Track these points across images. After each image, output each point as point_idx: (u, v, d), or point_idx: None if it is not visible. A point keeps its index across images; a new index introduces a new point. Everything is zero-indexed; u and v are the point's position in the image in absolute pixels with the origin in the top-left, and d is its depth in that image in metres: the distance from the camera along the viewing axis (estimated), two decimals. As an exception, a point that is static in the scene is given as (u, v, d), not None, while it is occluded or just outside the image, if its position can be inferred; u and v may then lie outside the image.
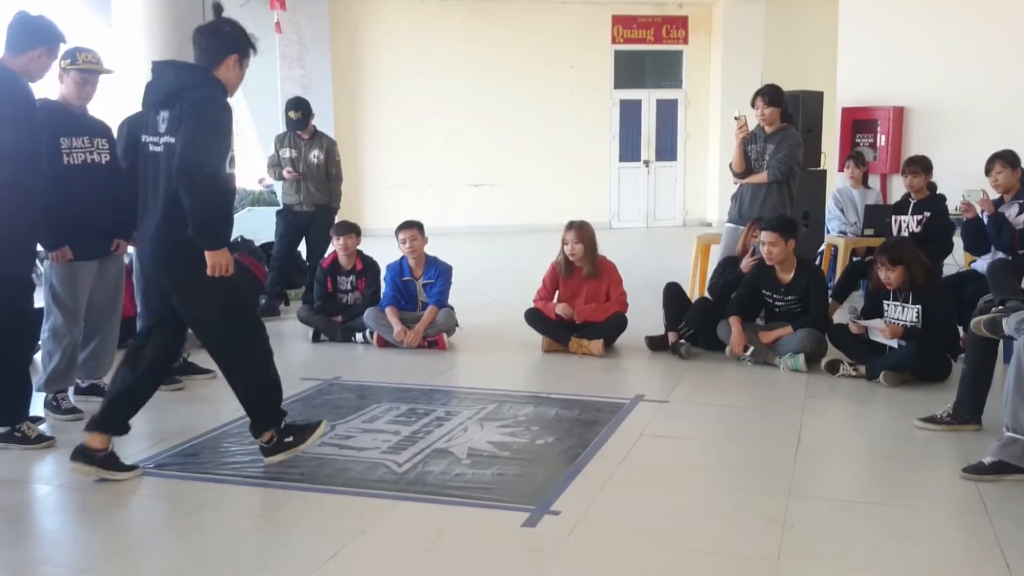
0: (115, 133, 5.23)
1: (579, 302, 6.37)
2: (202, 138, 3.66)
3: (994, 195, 6.34)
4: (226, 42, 3.83)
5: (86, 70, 4.77)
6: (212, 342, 4.02)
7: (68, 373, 4.94)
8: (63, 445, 4.45)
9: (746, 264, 6.24)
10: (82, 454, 3.90)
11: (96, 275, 4.98)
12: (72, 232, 4.77)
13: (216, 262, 3.71)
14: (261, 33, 14.55)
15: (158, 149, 3.78)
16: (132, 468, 4.01)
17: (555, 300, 6.45)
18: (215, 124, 3.71)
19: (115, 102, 6.28)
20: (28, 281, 4.52)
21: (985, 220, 6.24)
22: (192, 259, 3.72)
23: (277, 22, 12.40)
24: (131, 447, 4.46)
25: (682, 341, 6.16)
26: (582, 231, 6.33)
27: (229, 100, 3.86)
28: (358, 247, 6.96)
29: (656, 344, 6.35)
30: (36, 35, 4.35)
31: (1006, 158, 6.29)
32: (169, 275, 3.88)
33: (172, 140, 3.70)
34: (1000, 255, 6.11)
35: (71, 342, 4.88)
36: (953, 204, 7.34)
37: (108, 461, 3.93)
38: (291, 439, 4.04)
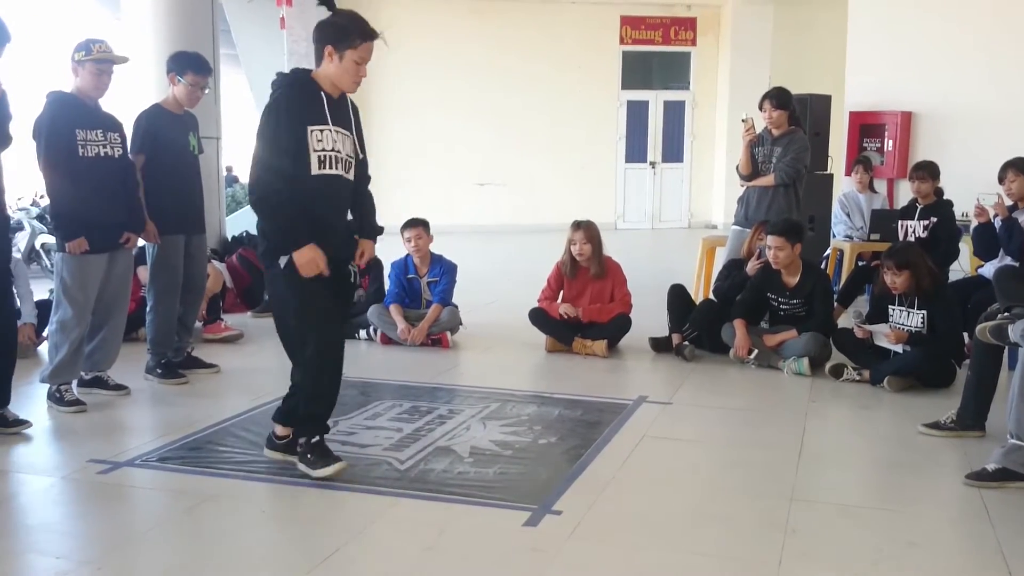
0: (129, 127, 5.24)
1: (583, 302, 6.36)
2: (257, 151, 3.68)
3: (1008, 203, 6.33)
4: (318, 36, 3.75)
5: (101, 60, 4.79)
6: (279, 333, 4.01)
7: (73, 365, 4.95)
8: (64, 436, 4.46)
9: (752, 267, 6.23)
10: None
11: (106, 269, 4.99)
12: (86, 224, 4.78)
13: (298, 262, 3.66)
14: (270, 29, 14.59)
15: None
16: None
17: (559, 300, 6.44)
18: (265, 133, 3.68)
19: (125, 95, 6.29)
20: None
21: (997, 225, 6.24)
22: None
23: (282, 18, 12.39)
24: (134, 440, 4.48)
25: (686, 343, 6.16)
26: (590, 231, 6.33)
27: (328, 92, 3.75)
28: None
29: (660, 345, 6.35)
30: None
31: (1019, 166, 6.29)
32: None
33: None
34: (1008, 261, 6.10)
35: (79, 335, 4.89)
36: (961, 210, 7.34)
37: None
38: (311, 457, 3.90)
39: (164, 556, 3.27)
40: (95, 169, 4.82)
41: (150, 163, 5.31)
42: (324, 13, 3.90)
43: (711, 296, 6.61)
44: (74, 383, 5.03)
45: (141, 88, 6.49)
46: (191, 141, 5.52)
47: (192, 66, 5.39)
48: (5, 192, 4.43)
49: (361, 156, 3.98)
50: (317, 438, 3.94)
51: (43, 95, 4.83)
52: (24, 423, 4.50)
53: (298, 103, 3.70)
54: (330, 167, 3.74)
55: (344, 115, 3.86)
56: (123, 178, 5.02)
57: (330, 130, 3.74)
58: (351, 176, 3.88)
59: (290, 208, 3.68)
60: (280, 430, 4.08)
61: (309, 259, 3.68)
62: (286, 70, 3.97)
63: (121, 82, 5.26)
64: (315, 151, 3.69)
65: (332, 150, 3.74)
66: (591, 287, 6.38)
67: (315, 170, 3.70)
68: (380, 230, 4.13)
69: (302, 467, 3.91)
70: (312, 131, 3.68)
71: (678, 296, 6.49)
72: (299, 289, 3.73)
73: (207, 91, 5.53)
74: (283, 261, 3.71)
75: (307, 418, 3.95)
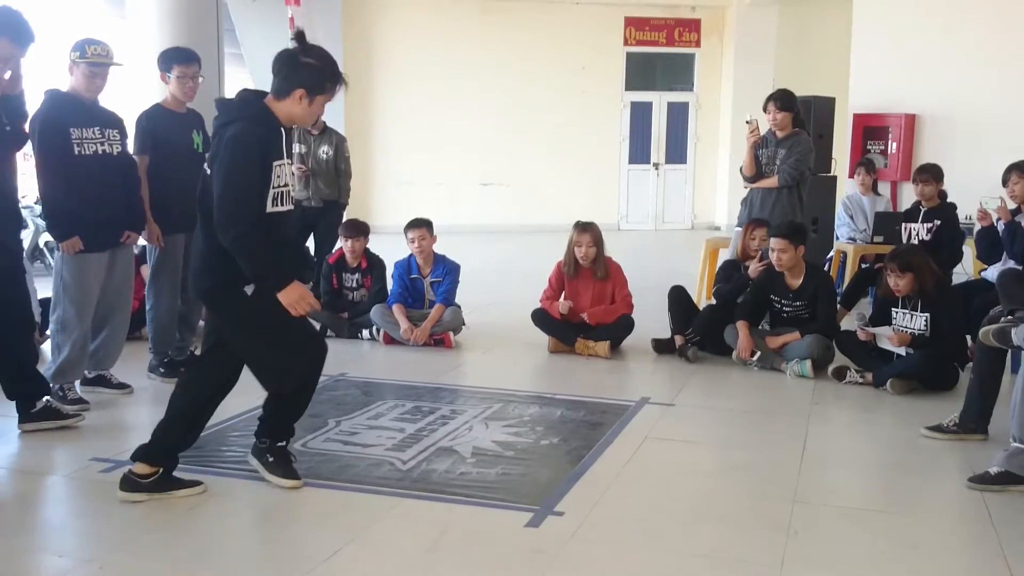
0: (130, 126, 5.25)
1: (584, 303, 6.36)
2: (229, 188, 3.46)
3: (1011, 205, 6.33)
4: (291, 75, 3.56)
5: (95, 63, 4.78)
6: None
7: (78, 365, 4.95)
8: (66, 435, 4.47)
9: (754, 269, 6.23)
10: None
11: (106, 267, 4.99)
12: (83, 223, 4.77)
13: (285, 301, 3.54)
14: (274, 29, 14.60)
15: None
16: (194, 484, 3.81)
17: (560, 300, 6.44)
18: (239, 167, 3.46)
19: (129, 95, 6.30)
20: None
21: (1000, 228, 6.23)
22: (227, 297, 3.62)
23: (291, 18, 12.41)
24: (137, 439, 4.46)
25: (689, 345, 6.15)
26: (595, 233, 6.34)
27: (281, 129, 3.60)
28: (366, 246, 6.96)
29: (662, 347, 6.34)
30: None
31: (1023, 168, 6.28)
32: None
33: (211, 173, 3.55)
34: (1011, 264, 6.10)
35: (81, 334, 4.89)
36: (965, 212, 7.33)
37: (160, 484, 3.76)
38: (272, 460, 3.88)
39: (165, 555, 3.28)
40: (92, 167, 4.81)
41: (152, 162, 5.32)
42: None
43: (712, 298, 6.60)
44: (77, 382, 5.03)
45: (145, 88, 6.49)
46: (195, 139, 5.52)
47: (175, 59, 5.40)
48: (18, 191, 4.45)
49: None
50: (283, 443, 3.92)
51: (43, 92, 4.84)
52: (78, 416, 4.60)
53: (264, 141, 3.52)
54: (282, 203, 3.61)
55: (290, 138, 3.76)
56: (123, 175, 5.01)
57: (287, 165, 3.62)
58: (291, 206, 3.73)
59: (269, 251, 3.53)
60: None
61: (299, 296, 3.56)
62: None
63: (125, 82, 5.27)
64: (273, 187, 3.54)
65: (283, 185, 3.60)
66: (592, 288, 6.38)
67: (269, 207, 3.54)
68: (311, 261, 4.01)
69: (260, 470, 3.88)
70: (275, 167, 3.54)
71: (679, 298, 6.49)
72: (269, 312, 3.58)
73: (201, 79, 5.51)
74: (249, 289, 3.57)
75: (284, 430, 3.93)
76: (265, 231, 3.51)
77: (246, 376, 5.69)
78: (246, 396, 5.12)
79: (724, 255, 7.34)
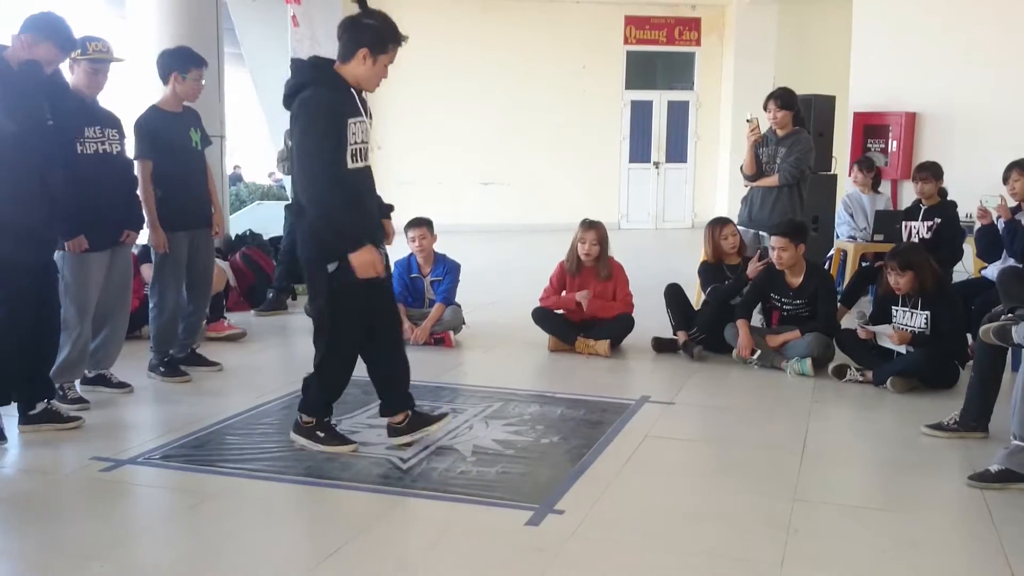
0: (128, 126, 5.25)
1: (585, 301, 6.35)
2: (303, 150, 3.69)
3: (1011, 203, 6.33)
4: (355, 35, 3.77)
5: (96, 59, 4.78)
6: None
7: (78, 364, 4.95)
8: (67, 434, 4.46)
9: (753, 269, 6.22)
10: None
11: (106, 266, 4.99)
12: (85, 222, 4.78)
13: (355, 263, 3.75)
14: (275, 27, 14.60)
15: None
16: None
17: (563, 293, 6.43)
18: (310, 133, 3.68)
19: (129, 94, 6.30)
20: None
21: (1000, 226, 6.23)
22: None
23: (293, 15, 12.39)
24: (137, 438, 4.48)
25: (694, 343, 6.14)
26: (600, 231, 6.34)
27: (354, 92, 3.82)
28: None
29: (663, 346, 6.34)
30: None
31: (1023, 166, 6.29)
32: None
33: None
34: (1011, 263, 6.09)
35: (81, 334, 4.89)
36: (966, 211, 7.32)
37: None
38: (322, 435, 4.17)
39: (166, 554, 3.28)
40: (93, 166, 4.81)
41: (154, 165, 5.32)
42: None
43: (707, 297, 6.58)
44: (77, 381, 5.03)
45: (146, 87, 6.49)
46: (193, 137, 5.52)
47: (194, 62, 5.42)
48: (67, 190, 4.50)
49: None
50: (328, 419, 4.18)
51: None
52: (77, 419, 4.59)
53: (337, 101, 3.75)
54: (361, 159, 3.84)
55: (364, 105, 3.94)
56: (122, 175, 5.02)
57: (365, 122, 3.83)
58: (370, 162, 3.97)
59: (346, 212, 3.73)
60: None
61: (367, 261, 3.75)
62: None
63: (126, 81, 5.27)
64: (350, 145, 3.75)
65: (362, 142, 3.81)
66: (594, 286, 6.38)
67: (349, 164, 3.77)
68: (391, 207, 4.22)
69: (312, 445, 4.15)
70: (350, 123, 3.75)
71: (675, 295, 6.48)
72: (342, 292, 3.86)
73: (203, 82, 5.55)
74: (331, 267, 3.80)
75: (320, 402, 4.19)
76: (348, 187, 3.73)
77: (248, 376, 5.72)
78: (245, 396, 5.16)
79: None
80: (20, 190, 4.18)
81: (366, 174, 3.90)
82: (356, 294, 3.89)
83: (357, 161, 3.79)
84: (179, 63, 5.41)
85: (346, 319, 3.97)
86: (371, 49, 3.76)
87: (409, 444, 4.22)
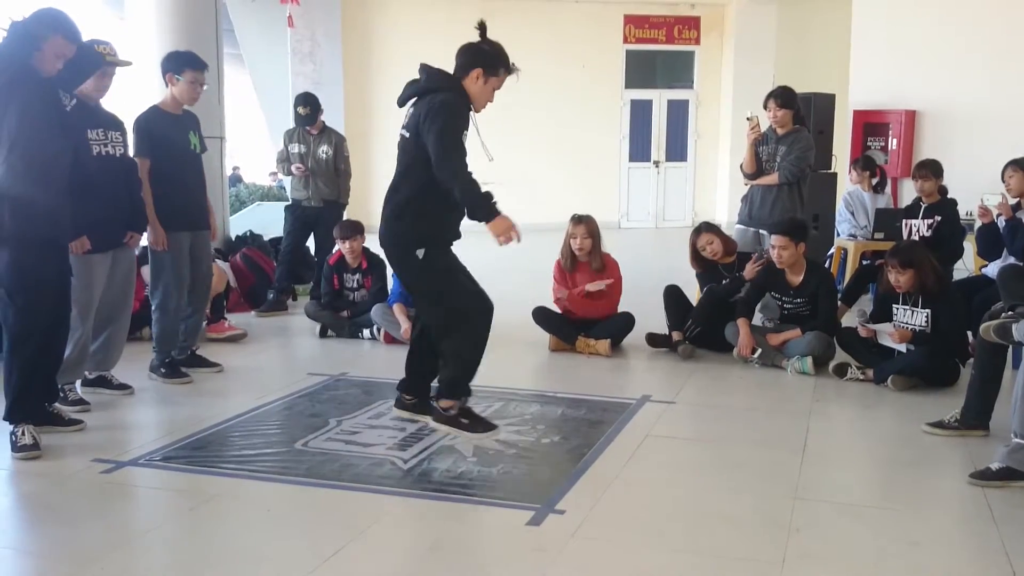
0: (131, 127, 5.26)
1: (582, 296, 6.36)
2: (445, 141, 3.90)
3: (1011, 201, 6.32)
4: (472, 56, 4.07)
5: (107, 63, 4.78)
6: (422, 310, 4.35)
7: (78, 366, 4.95)
8: (68, 436, 4.46)
9: (750, 270, 6.21)
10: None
11: (108, 268, 5.00)
12: (88, 223, 4.78)
13: (495, 231, 4.01)
14: (275, 28, 14.52)
15: (403, 136, 4.12)
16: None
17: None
18: (450, 128, 3.93)
19: (129, 95, 6.29)
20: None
21: (1001, 224, 6.22)
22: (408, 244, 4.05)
23: (289, 16, 12.41)
24: (138, 439, 4.48)
25: (684, 341, 6.14)
26: (590, 226, 6.37)
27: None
28: (363, 245, 6.96)
29: (657, 341, 6.34)
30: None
31: (1020, 164, 6.29)
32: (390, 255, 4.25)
33: (407, 135, 4.05)
34: (1012, 261, 6.09)
35: (82, 335, 4.89)
36: (966, 208, 7.32)
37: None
38: (467, 422, 4.14)
39: (167, 555, 3.28)
40: (97, 168, 4.81)
41: (152, 163, 5.32)
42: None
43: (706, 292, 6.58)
44: (78, 382, 5.03)
45: (145, 88, 6.49)
46: (192, 140, 5.53)
47: (190, 63, 5.43)
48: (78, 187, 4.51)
49: None
50: (467, 403, 4.19)
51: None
52: (78, 423, 4.58)
53: (465, 111, 4.04)
54: None
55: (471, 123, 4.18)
56: (125, 177, 5.03)
57: (466, 137, 4.08)
58: None
59: (480, 192, 4.01)
60: (443, 405, 4.16)
61: (506, 226, 4.02)
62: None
63: (125, 82, 5.27)
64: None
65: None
66: (592, 280, 6.38)
67: None
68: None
69: (460, 432, 4.13)
70: (463, 136, 4.03)
71: (674, 296, 6.48)
72: (442, 273, 4.09)
73: (205, 87, 5.55)
74: (420, 253, 4.02)
75: (457, 384, 4.15)
76: (447, 192, 3.97)
77: (249, 377, 5.72)
78: (246, 397, 5.16)
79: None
80: (52, 205, 4.20)
81: None
82: (447, 270, 4.12)
83: None
84: (174, 64, 5.42)
85: (451, 286, 4.12)
86: (485, 70, 4.04)
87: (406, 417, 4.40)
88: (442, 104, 3.97)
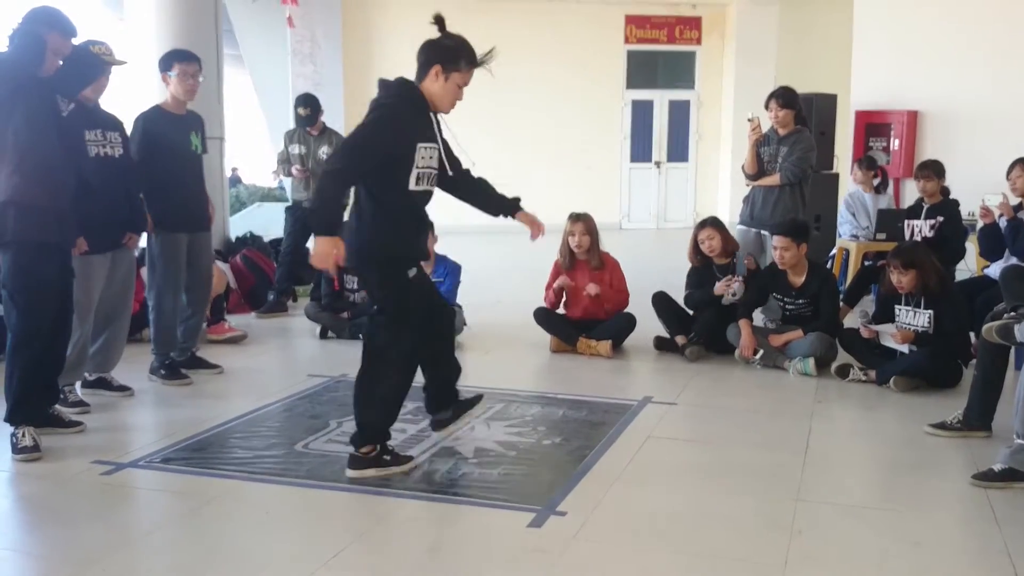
0: (129, 128, 5.25)
1: (582, 295, 6.35)
2: (348, 142, 3.77)
3: (1013, 200, 6.31)
4: (427, 53, 3.82)
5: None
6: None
7: (78, 367, 4.94)
8: (68, 437, 4.45)
9: (720, 287, 6.18)
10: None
11: (108, 269, 4.99)
12: (85, 225, 4.76)
13: (315, 250, 3.69)
14: (274, 29, 14.50)
15: None
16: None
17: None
18: (362, 137, 3.71)
19: (128, 96, 6.29)
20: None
21: (1003, 225, 6.21)
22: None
23: (289, 17, 12.40)
24: (138, 441, 4.48)
25: (691, 345, 6.13)
26: (588, 223, 6.37)
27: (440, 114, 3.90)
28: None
29: (664, 345, 6.33)
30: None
31: None
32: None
33: None
34: (1014, 261, 6.08)
35: (81, 336, 4.88)
36: (968, 209, 7.31)
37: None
38: (388, 459, 3.97)
39: (168, 557, 3.27)
40: (95, 169, 4.80)
41: (150, 164, 5.32)
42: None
43: (683, 304, 6.54)
44: (78, 384, 5.02)
45: (144, 89, 6.48)
46: (193, 140, 5.52)
47: (175, 57, 5.44)
48: (81, 189, 4.50)
49: (455, 157, 4.08)
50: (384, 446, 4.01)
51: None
52: (78, 425, 4.57)
53: (411, 122, 3.77)
54: (427, 183, 3.85)
55: (436, 130, 3.95)
56: (124, 177, 5.02)
57: (434, 147, 3.85)
58: (434, 187, 3.97)
59: (338, 201, 3.71)
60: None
61: (325, 252, 3.62)
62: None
63: (124, 83, 5.26)
64: (416, 167, 3.76)
65: (428, 167, 3.82)
66: (589, 279, 6.38)
67: (412, 186, 3.78)
68: (517, 199, 4.28)
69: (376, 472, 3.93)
70: (420, 148, 3.77)
71: (663, 302, 6.45)
72: (406, 295, 3.86)
73: (201, 78, 5.55)
74: (412, 272, 3.86)
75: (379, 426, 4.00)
76: (406, 207, 3.78)
77: (249, 379, 5.71)
78: (246, 398, 5.15)
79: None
80: (56, 208, 4.21)
81: (424, 198, 3.90)
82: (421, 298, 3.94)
83: (421, 184, 3.81)
84: (164, 63, 5.45)
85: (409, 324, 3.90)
86: (443, 65, 3.79)
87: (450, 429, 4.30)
88: (378, 106, 3.77)
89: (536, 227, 4.21)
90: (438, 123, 3.96)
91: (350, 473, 3.91)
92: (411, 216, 3.84)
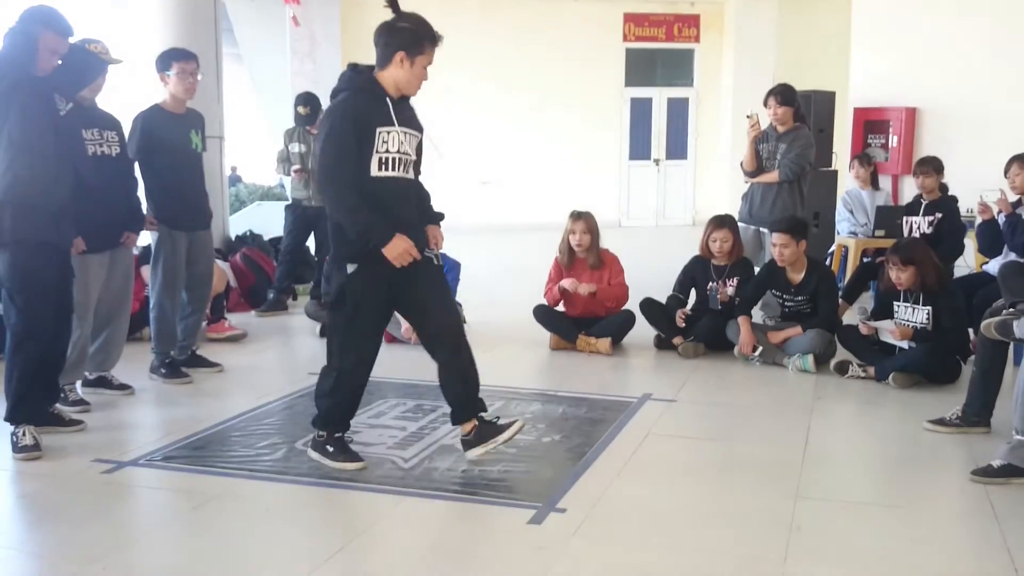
0: (127, 127, 5.25)
1: (581, 293, 6.35)
2: (326, 150, 3.74)
3: (1012, 197, 6.32)
4: (389, 40, 3.76)
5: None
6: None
7: (77, 366, 4.94)
8: (69, 436, 4.45)
9: (679, 317, 6.23)
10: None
11: (106, 268, 4.99)
12: (83, 224, 4.76)
13: (390, 255, 3.73)
14: (273, 27, 14.49)
15: None
16: None
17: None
18: (334, 134, 3.70)
19: (127, 95, 6.29)
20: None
21: (1001, 221, 6.22)
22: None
23: (293, 16, 12.39)
24: (139, 440, 4.48)
25: (687, 342, 6.13)
26: (589, 222, 6.36)
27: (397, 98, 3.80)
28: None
29: (664, 342, 6.33)
30: None
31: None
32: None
33: None
34: (1012, 257, 6.08)
35: (81, 336, 4.88)
36: (967, 206, 7.31)
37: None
38: (332, 450, 4.03)
39: (168, 555, 3.28)
40: (91, 168, 4.80)
41: (150, 162, 5.32)
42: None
43: (667, 300, 6.54)
44: (78, 383, 5.02)
45: (143, 88, 6.49)
46: (193, 139, 5.52)
47: (173, 56, 5.43)
48: (80, 189, 4.49)
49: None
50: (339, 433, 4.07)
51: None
52: (79, 424, 4.57)
53: (365, 108, 3.74)
54: (393, 169, 3.79)
55: (409, 116, 3.91)
56: (121, 177, 5.03)
57: (397, 131, 3.77)
58: (411, 175, 3.92)
59: (366, 210, 3.72)
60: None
61: (401, 249, 3.72)
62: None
63: (123, 83, 5.26)
64: (377, 152, 3.74)
65: (397, 152, 3.78)
66: (589, 277, 6.38)
67: (374, 172, 3.75)
68: (441, 215, 4.17)
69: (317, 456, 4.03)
70: (380, 132, 3.73)
71: (651, 308, 6.42)
72: (354, 301, 3.84)
73: (200, 76, 5.54)
74: (350, 268, 3.81)
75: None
76: (370, 193, 3.73)
77: (249, 377, 5.72)
78: (246, 397, 5.15)
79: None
80: (54, 208, 4.21)
81: (398, 183, 3.82)
82: (373, 298, 3.87)
83: (384, 170, 3.76)
84: (162, 62, 5.44)
85: (359, 324, 3.91)
86: (408, 52, 3.74)
87: (483, 456, 4.03)
88: (329, 110, 3.80)
89: (433, 240, 4.05)
90: (405, 109, 3.88)
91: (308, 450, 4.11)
92: (375, 204, 3.76)
